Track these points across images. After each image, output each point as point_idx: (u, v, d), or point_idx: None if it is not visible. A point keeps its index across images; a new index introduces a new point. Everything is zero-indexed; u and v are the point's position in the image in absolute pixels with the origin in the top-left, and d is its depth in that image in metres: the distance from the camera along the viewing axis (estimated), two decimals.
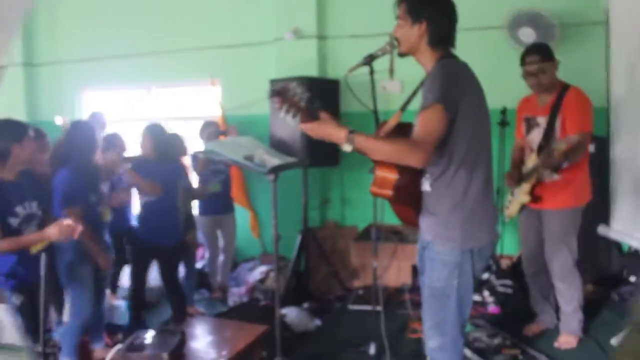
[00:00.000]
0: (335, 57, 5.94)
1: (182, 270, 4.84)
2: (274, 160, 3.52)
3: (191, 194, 4.79)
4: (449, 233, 2.25)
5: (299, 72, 5.66)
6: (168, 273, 4.38)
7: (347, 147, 2.13)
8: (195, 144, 5.55)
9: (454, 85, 2.12)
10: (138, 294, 4.37)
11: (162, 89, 7.08)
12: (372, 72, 2.68)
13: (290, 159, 3.75)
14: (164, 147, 4.30)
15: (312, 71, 5.82)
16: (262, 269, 5.83)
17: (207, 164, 5.18)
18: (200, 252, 5.97)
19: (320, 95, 5.48)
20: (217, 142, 4.28)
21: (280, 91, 2.21)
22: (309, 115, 2.22)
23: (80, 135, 3.71)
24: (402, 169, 2.25)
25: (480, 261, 2.29)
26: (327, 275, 5.28)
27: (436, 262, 2.31)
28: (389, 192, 2.30)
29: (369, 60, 2.60)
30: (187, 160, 5.20)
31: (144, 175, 4.21)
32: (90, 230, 3.53)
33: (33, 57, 7.52)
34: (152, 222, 4.25)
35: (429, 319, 2.36)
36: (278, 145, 5.14)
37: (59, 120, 6.06)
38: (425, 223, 2.35)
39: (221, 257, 5.53)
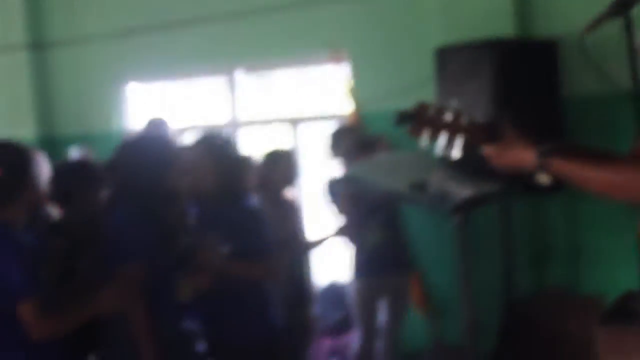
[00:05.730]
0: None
1: None
2: (463, 191, 3.57)
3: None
4: None
5: (482, 29, 5.64)
6: None
7: (541, 178, 2.20)
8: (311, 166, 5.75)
9: None
10: None
11: (252, 73, 7.38)
12: (628, 26, 2.62)
13: (487, 186, 3.76)
14: (234, 176, 4.34)
15: (505, 26, 5.81)
16: None
17: (356, 202, 5.28)
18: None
19: (523, 70, 5.54)
20: (362, 164, 4.39)
21: (413, 114, 2.29)
22: (486, 133, 2.29)
23: (147, 159, 3.89)
24: None
25: None
26: None
27: None
28: None
29: (625, 6, 2.55)
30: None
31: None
32: (155, 315, 3.68)
33: (43, 33, 8.09)
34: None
35: None
36: (459, 161, 5.03)
37: (77, 152, 6.52)
38: None
39: (379, 344, 5.61)
